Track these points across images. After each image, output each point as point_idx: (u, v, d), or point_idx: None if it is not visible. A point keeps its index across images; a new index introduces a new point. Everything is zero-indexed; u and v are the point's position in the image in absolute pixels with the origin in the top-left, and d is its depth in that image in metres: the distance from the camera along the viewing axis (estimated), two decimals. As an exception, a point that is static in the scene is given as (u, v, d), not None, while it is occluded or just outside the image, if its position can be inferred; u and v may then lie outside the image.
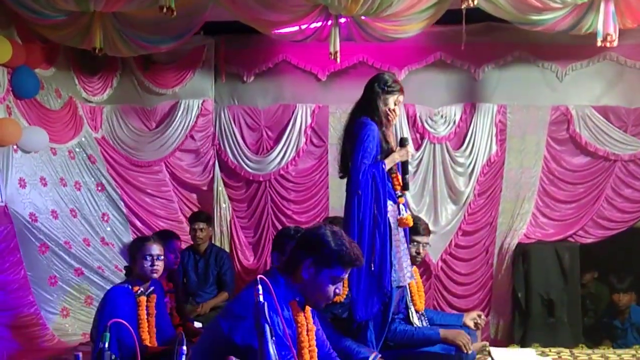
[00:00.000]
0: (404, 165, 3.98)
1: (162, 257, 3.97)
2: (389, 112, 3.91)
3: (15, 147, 5.38)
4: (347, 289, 3.89)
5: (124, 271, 4.06)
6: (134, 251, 3.90)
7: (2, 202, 5.20)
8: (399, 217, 3.89)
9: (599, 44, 4.76)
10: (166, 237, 4.67)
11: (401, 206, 3.93)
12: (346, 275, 2.76)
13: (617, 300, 5.71)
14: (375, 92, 3.92)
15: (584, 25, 4.90)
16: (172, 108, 6.40)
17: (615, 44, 4.75)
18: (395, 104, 3.93)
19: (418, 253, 4.33)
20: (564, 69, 6.01)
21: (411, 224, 3.98)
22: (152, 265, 3.87)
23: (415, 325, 4.17)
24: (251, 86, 6.37)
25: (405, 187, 3.99)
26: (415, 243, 4.27)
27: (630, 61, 5.92)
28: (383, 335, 3.89)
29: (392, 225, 3.84)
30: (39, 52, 5.61)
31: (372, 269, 3.75)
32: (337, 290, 2.72)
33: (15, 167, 5.40)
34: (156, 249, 3.92)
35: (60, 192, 5.84)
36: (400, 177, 3.96)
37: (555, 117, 6.07)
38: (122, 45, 5.29)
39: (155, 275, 3.94)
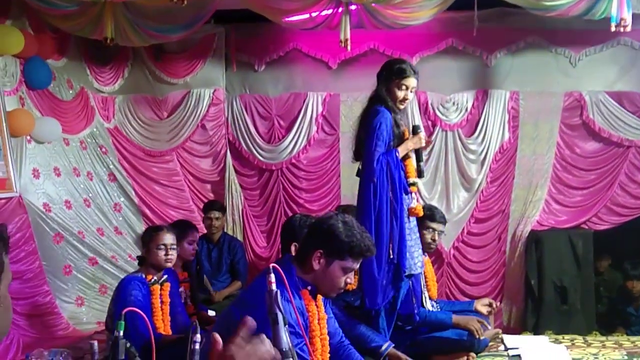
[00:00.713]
0: (417, 153, 3.97)
1: (176, 247, 3.99)
2: (395, 96, 3.90)
3: (28, 137, 5.41)
4: (357, 277, 3.91)
5: (137, 260, 4.09)
6: (147, 241, 3.92)
7: (16, 192, 5.23)
8: (409, 206, 3.90)
9: (613, 29, 4.71)
10: (185, 228, 4.68)
11: (413, 195, 3.93)
12: (357, 266, 2.75)
13: (630, 287, 5.68)
14: (381, 79, 3.95)
15: (597, 10, 4.84)
16: (184, 97, 6.42)
17: (629, 28, 4.69)
18: (400, 88, 3.89)
19: (433, 240, 4.36)
20: (577, 54, 5.96)
21: (421, 213, 3.99)
22: (166, 254, 3.89)
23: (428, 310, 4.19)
24: (262, 75, 6.37)
25: (420, 174, 3.99)
26: (431, 230, 4.30)
27: (644, 46, 5.87)
28: (393, 321, 3.91)
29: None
30: (50, 42, 5.62)
31: (392, 256, 3.76)
32: (347, 280, 2.72)
33: (29, 158, 5.43)
34: (169, 238, 3.94)
35: (73, 182, 5.87)
36: (414, 164, 3.97)
37: (569, 103, 6.02)
38: (133, 35, 5.28)
39: (169, 265, 3.96)
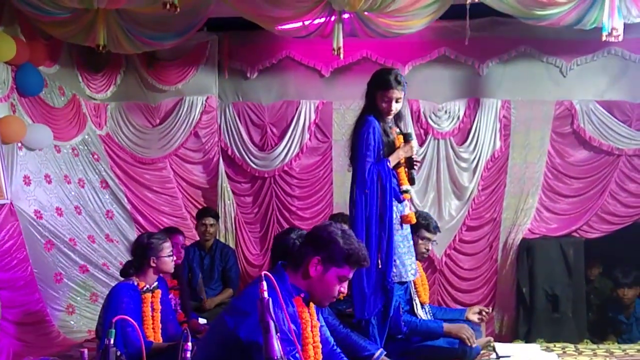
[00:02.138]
0: (408, 161, 3.98)
1: None
2: (382, 107, 3.91)
3: (19, 144, 5.39)
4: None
5: (129, 268, 4.04)
6: (156, 250, 3.91)
7: (7, 199, 5.21)
8: (402, 214, 3.92)
9: (604, 38, 4.74)
10: (171, 233, 4.72)
11: (406, 202, 3.95)
12: (351, 275, 2.75)
13: (622, 295, 5.69)
14: (369, 88, 3.96)
15: (589, 19, 4.88)
16: (176, 105, 6.41)
17: (620, 38, 4.73)
18: (384, 100, 3.89)
19: (427, 249, 4.38)
20: (568, 63, 6.00)
21: (414, 221, 4.01)
22: (172, 260, 4.00)
23: (419, 318, 4.19)
24: (255, 82, 6.37)
25: (411, 181, 4.01)
26: (426, 240, 4.32)
27: (634, 55, 5.91)
28: (385, 329, 3.91)
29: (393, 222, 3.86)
30: (42, 49, 5.60)
31: (380, 267, 3.77)
32: (341, 289, 2.72)
33: (20, 165, 5.41)
34: (170, 244, 4.06)
35: (64, 189, 5.85)
36: (406, 171, 3.98)
37: (560, 112, 6.06)
38: (125, 42, 5.28)
39: (173, 269, 4.09)
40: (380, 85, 3.89)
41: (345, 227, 2.80)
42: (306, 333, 2.69)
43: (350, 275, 2.72)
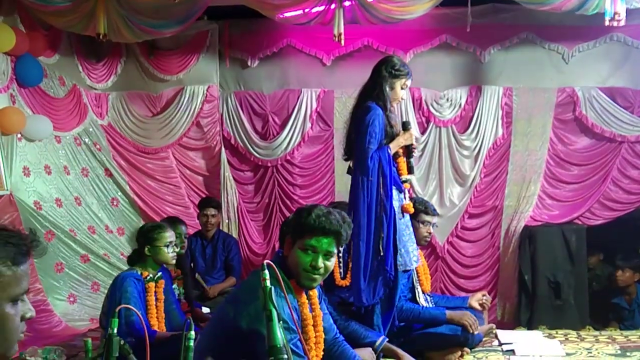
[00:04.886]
0: (407, 149, 3.97)
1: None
2: (397, 95, 3.91)
3: (19, 135, 5.39)
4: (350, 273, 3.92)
5: (132, 257, 4.05)
6: (153, 239, 3.91)
7: (6, 190, 5.21)
8: (402, 204, 3.91)
9: (606, 23, 4.71)
10: (172, 223, 4.72)
11: (405, 192, 3.95)
12: (316, 243, 2.63)
13: (619, 276, 5.67)
14: (382, 75, 3.91)
15: (591, 4, 4.84)
16: (177, 94, 6.39)
17: (622, 23, 4.70)
18: (402, 88, 3.92)
19: (429, 233, 4.37)
20: (570, 50, 5.96)
21: (412, 210, 4.01)
22: (172, 251, 3.97)
23: (421, 306, 4.20)
24: (256, 71, 6.34)
25: (410, 170, 4.00)
26: (426, 223, 4.32)
27: (636, 42, 5.87)
28: (390, 319, 3.90)
29: (395, 210, 3.85)
30: (42, 39, 5.58)
31: (382, 253, 3.76)
32: (315, 263, 2.62)
33: (20, 156, 5.41)
34: (172, 235, 4.04)
35: (64, 180, 5.85)
36: (405, 161, 3.98)
37: (562, 99, 6.03)
38: (126, 31, 5.26)
39: (174, 261, 4.05)
40: (406, 73, 3.90)
41: (323, 205, 2.76)
42: (304, 315, 2.69)
43: (314, 244, 2.61)
